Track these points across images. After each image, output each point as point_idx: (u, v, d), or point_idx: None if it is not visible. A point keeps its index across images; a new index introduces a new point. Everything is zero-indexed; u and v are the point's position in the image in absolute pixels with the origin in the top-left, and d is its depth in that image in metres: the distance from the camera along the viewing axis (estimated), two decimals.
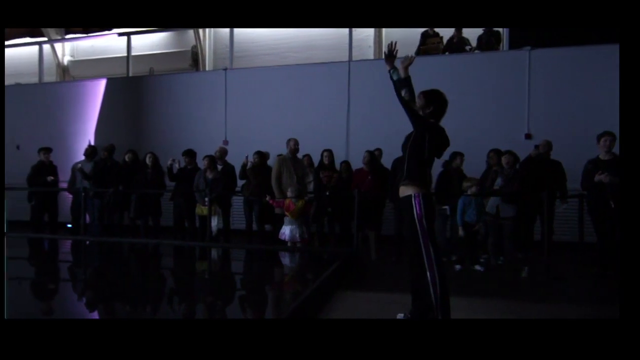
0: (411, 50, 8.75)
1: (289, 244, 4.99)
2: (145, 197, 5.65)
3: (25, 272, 4.23)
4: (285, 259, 4.79)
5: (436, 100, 2.68)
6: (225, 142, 7.63)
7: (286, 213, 5.02)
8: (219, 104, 7.86)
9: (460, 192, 4.89)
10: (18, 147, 8.16)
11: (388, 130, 6.08)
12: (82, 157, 6.55)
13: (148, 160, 5.83)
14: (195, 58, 10.52)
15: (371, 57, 9.33)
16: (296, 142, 5.57)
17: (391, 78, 2.73)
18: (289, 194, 5.02)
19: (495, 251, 5.01)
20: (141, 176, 5.73)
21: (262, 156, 5.70)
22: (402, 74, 2.76)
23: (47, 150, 6.47)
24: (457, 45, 7.87)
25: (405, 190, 2.65)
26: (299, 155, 5.83)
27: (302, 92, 7.57)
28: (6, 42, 10.44)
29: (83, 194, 5.60)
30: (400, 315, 2.76)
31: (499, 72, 6.94)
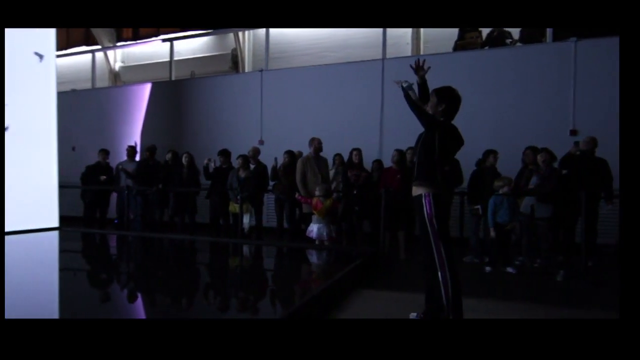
0: (449, 45, 8.58)
1: (316, 242, 5.06)
2: (182, 195, 5.93)
3: (75, 264, 4.57)
4: (313, 257, 4.86)
5: (448, 98, 2.64)
6: (261, 142, 7.84)
7: (314, 211, 5.09)
8: (255, 105, 8.07)
9: (492, 192, 4.74)
10: (73, 149, 8.80)
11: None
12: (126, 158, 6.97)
13: (184, 160, 6.12)
14: (235, 61, 10.85)
15: (408, 54, 9.20)
16: (319, 142, 5.63)
17: (402, 85, 2.68)
18: (317, 192, 5.09)
19: (530, 253, 4.81)
20: (177, 175, 6.02)
21: (292, 156, 5.81)
22: (418, 79, 2.79)
23: (105, 152, 6.97)
24: (498, 38, 7.60)
25: (416, 190, 2.64)
26: (331, 154, 5.91)
27: (336, 91, 7.62)
28: (64, 51, 11.27)
29: (126, 192, 5.96)
30: (413, 315, 2.76)
31: (542, 66, 6.62)
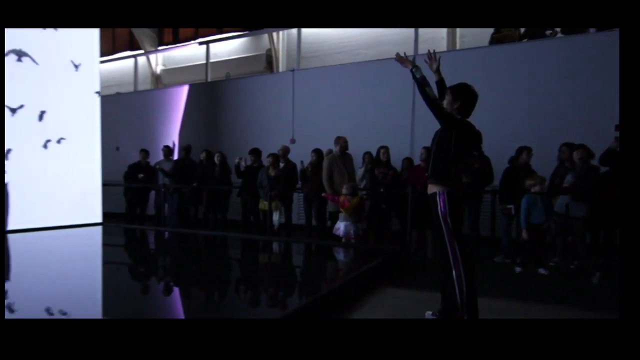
0: (485, 39, 8.34)
1: (343, 240, 5.09)
2: (214, 193, 6.14)
3: (114, 257, 4.85)
4: (338, 255, 4.89)
5: (463, 95, 2.60)
6: (292, 141, 7.94)
7: (341, 209, 5.13)
8: (287, 104, 8.19)
9: (525, 191, 4.59)
10: (117, 149, 9.28)
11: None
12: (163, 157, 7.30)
13: (216, 159, 6.33)
14: (269, 61, 11.05)
15: (444, 48, 9.03)
16: (345, 140, 5.68)
17: (414, 77, 2.63)
18: (344, 190, 5.12)
19: (565, 254, 4.62)
20: (210, 174, 6.23)
21: (319, 154, 5.87)
22: (435, 77, 2.77)
23: (145, 152, 7.36)
24: (537, 30, 7.30)
25: (431, 188, 2.63)
26: (362, 152, 5.92)
27: (367, 89, 7.60)
28: (109, 57, 11.89)
29: (163, 190, 6.24)
30: (428, 314, 2.74)
31: (585, 57, 6.30)
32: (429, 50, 2.78)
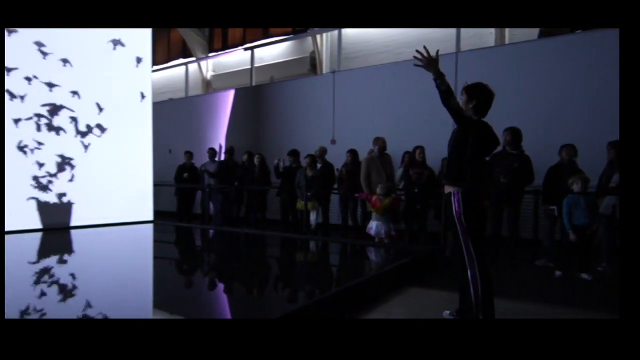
0: (534, 32, 7.97)
1: (375, 240, 5.13)
2: (253, 193, 6.39)
3: (164, 253, 5.21)
4: (371, 254, 4.92)
5: (478, 94, 2.57)
6: (333, 141, 8.06)
7: (372, 209, 5.16)
8: (328, 106, 8.31)
9: (568, 191, 4.38)
10: (170, 151, 9.87)
11: (495, 123, 5.73)
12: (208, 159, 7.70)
13: (255, 161, 6.58)
14: (313, 63, 11.23)
15: (492, 43, 8.76)
16: (384, 141, 5.69)
17: (438, 88, 2.49)
18: (377, 190, 5.15)
19: (612, 258, 4.35)
20: (250, 174, 6.49)
21: (354, 154, 5.93)
22: (433, 76, 2.53)
23: (190, 154, 7.83)
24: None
25: (446, 188, 2.64)
26: (402, 152, 5.93)
27: (407, 89, 7.54)
28: (163, 65, 12.64)
29: (207, 190, 6.59)
30: (446, 313, 2.74)
31: None
32: (420, 52, 2.53)
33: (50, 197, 5.65)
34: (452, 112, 2.49)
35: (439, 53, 2.58)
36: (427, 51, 2.53)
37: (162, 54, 13.81)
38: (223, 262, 4.66)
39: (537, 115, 6.18)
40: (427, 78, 8.04)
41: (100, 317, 2.46)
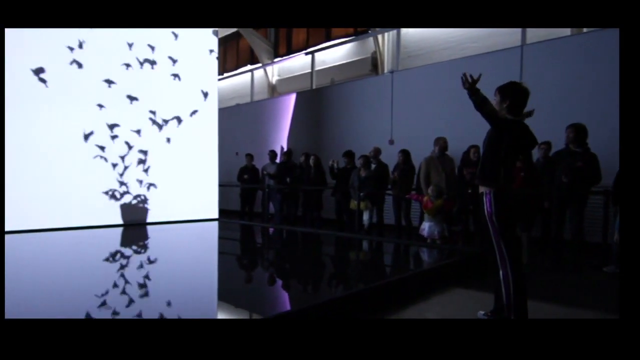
0: None
1: (427, 241, 5.08)
2: (309, 193, 6.61)
3: (227, 249, 5.61)
4: (420, 254, 4.89)
5: (511, 93, 2.51)
6: (391, 142, 8.04)
7: (424, 210, 5.12)
8: (386, 106, 8.31)
9: None
10: (237, 154, 10.46)
11: (559, 120, 5.41)
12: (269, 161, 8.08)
13: (311, 162, 6.80)
14: (374, 63, 11.25)
15: (567, 33, 8.21)
16: (445, 141, 5.61)
17: (472, 100, 2.52)
18: (428, 191, 5.11)
19: None
20: (307, 175, 6.72)
21: (406, 155, 5.91)
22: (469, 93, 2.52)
23: (250, 156, 8.28)
24: None
25: (480, 188, 2.61)
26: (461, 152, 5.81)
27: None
28: (232, 72, 13.38)
29: (267, 190, 6.93)
30: (480, 314, 2.72)
31: None
32: (464, 74, 2.53)
33: (129, 198, 6.32)
34: (486, 117, 2.50)
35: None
36: (472, 76, 2.51)
37: (231, 62, 14.64)
38: (279, 258, 4.92)
39: (611, 109, 5.71)
40: (494, 74, 7.73)
41: (164, 304, 2.78)
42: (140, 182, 6.42)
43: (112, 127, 6.10)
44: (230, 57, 14.63)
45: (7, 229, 5.09)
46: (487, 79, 7.12)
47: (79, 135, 5.82)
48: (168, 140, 6.67)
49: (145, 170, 6.45)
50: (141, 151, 6.40)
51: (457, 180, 5.44)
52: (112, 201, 6.16)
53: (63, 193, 5.67)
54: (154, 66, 6.52)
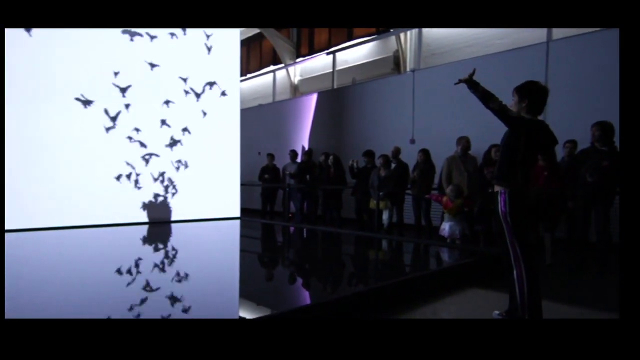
0: None
1: (447, 240, 5.04)
2: (328, 192, 6.64)
3: (248, 247, 5.71)
4: (439, 254, 4.86)
5: (528, 93, 2.48)
6: (412, 141, 7.99)
7: (444, 210, 5.08)
8: (407, 105, 8.26)
9: None
10: (259, 154, 10.59)
11: (586, 118, 5.27)
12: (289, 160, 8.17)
13: (330, 161, 6.83)
14: (397, 62, 11.18)
15: (594, 29, 7.96)
16: (468, 140, 5.55)
17: (475, 95, 2.62)
18: (447, 191, 5.06)
19: None
20: (325, 175, 6.76)
21: (426, 154, 5.86)
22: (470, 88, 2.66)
23: (271, 156, 8.39)
24: None
25: (495, 187, 2.59)
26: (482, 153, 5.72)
27: (492, 84, 7.17)
28: (255, 73, 13.54)
29: (287, 189, 7.01)
30: (495, 314, 2.71)
31: None
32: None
33: (155, 197, 6.51)
34: (496, 113, 2.49)
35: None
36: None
37: (254, 63, 14.82)
38: (296, 256, 4.98)
39: None
40: (513, 72, 7.53)
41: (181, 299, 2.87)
42: (164, 180, 6.61)
43: (137, 129, 6.30)
44: (254, 58, 14.82)
45: (36, 225, 5.36)
46: (512, 76, 7.03)
47: (104, 134, 6.04)
48: (191, 140, 6.84)
49: (175, 168, 6.64)
50: (167, 148, 6.58)
51: (480, 180, 5.36)
52: (138, 199, 6.36)
53: (94, 190, 5.90)
54: (176, 65, 6.69)
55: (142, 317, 2.41)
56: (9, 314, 2.15)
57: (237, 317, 2.45)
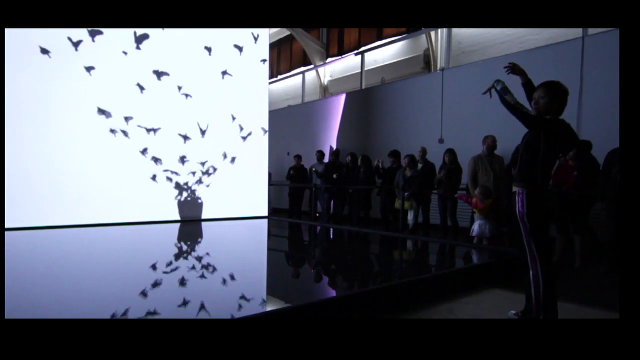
0: None
1: (474, 240, 4.98)
2: (356, 192, 6.69)
3: (275, 245, 5.86)
4: (466, 254, 4.80)
5: (551, 93, 2.45)
6: (441, 141, 7.91)
7: (474, 210, 5.03)
8: (436, 104, 8.18)
9: None
10: (288, 154, 10.77)
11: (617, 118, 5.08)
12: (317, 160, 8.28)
13: (359, 162, 6.88)
14: (427, 61, 11.06)
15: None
16: (494, 139, 5.46)
17: (495, 88, 2.65)
18: (475, 192, 5.01)
19: None
20: (353, 175, 6.81)
21: (453, 154, 5.81)
22: (521, 79, 2.78)
23: (298, 157, 8.53)
24: None
25: (513, 187, 2.59)
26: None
27: (518, 82, 7.02)
28: (284, 75, 13.72)
29: (314, 189, 7.11)
30: (511, 313, 2.69)
31: None
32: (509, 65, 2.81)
33: (186, 195, 6.78)
34: (511, 111, 2.48)
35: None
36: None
37: (284, 64, 15.04)
38: (321, 255, 5.07)
39: None
40: (548, 68, 7.27)
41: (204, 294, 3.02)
42: (194, 180, 6.86)
43: (169, 128, 6.57)
44: (284, 60, 15.04)
45: (63, 222, 5.65)
46: (547, 72, 6.87)
47: (143, 135, 6.34)
48: (221, 141, 7.07)
49: (205, 172, 6.89)
50: (198, 150, 6.84)
51: (507, 180, 5.26)
52: (171, 198, 6.64)
53: (130, 189, 6.21)
54: (207, 67, 6.92)
55: (156, 312, 2.49)
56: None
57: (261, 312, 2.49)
